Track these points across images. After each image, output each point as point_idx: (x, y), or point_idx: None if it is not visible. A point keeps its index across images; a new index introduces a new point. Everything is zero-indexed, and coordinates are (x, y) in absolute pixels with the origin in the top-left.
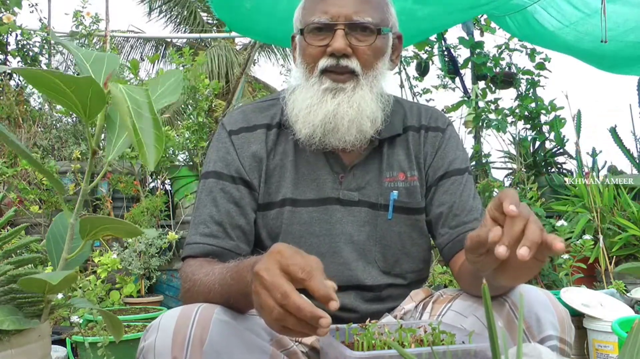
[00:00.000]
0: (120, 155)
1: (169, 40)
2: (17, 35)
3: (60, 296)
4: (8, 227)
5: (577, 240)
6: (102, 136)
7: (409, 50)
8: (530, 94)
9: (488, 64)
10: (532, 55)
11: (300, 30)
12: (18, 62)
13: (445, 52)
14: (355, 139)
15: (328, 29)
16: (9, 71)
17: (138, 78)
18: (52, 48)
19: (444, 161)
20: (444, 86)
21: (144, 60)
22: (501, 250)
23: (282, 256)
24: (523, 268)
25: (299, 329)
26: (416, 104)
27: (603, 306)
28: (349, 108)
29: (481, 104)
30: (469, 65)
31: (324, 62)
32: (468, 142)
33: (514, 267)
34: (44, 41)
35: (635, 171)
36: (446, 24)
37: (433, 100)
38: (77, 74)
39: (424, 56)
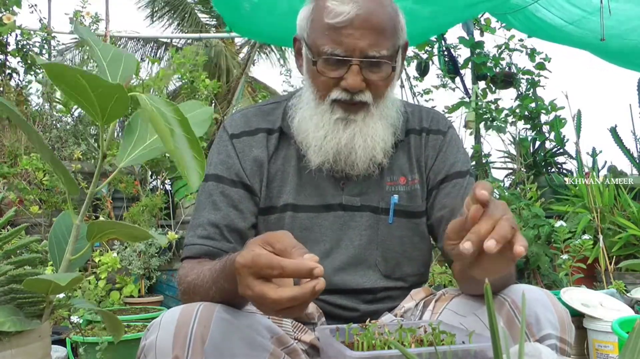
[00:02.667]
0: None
1: (168, 41)
2: (17, 36)
3: (61, 295)
4: (8, 227)
5: (577, 240)
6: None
7: (409, 51)
8: (530, 94)
9: (488, 64)
10: (532, 55)
11: (309, 50)
12: (18, 62)
13: (445, 52)
14: (368, 167)
15: (342, 62)
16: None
17: (139, 78)
18: (52, 48)
19: (445, 164)
20: (444, 86)
21: (144, 61)
22: (466, 246)
23: (250, 268)
24: (493, 263)
25: (298, 301)
26: (418, 106)
27: (603, 306)
28: (362, 141)
29: (481, 104)
30: (469, 65)
31: (336, 95)
32: (468, 142)
33: (485, 261)
34: (44, 41)
35: (635, 171)
36: (446, 24)
37: (432, 100)
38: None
39: (424, 56)
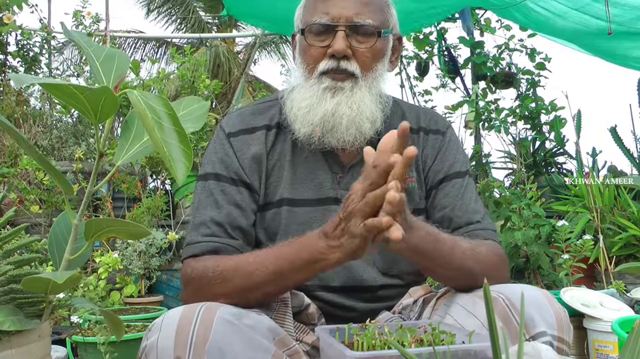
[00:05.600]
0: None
1: (169, 40)
2: (17, 35)
3: (61, 295)
4: (8, 227)
5: (577, 240)
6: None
7: (409, 50)
8: (531, 94)
9: (488, 64)
10: (532, 55)
11: (300, 30)
12: (18, 62)
13: (445, 52)
14: (355, 139)
15: (329, 30)
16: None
17: (139, 78)
18: (52, 48)
19: (444, 164)
20: (444, 86)
21: (144, 60)
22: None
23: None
24: None
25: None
26: (414, 105)
27: (603, 306)
28: (347, 108)
29: (481, 104)
30: (469, 65)
31: (324, 65)
32: (468, 143)
33: None
34: (44, 41)
35: (635, 171)
36: (443, 12)
37: (432, 101)
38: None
39: (424, 56)
